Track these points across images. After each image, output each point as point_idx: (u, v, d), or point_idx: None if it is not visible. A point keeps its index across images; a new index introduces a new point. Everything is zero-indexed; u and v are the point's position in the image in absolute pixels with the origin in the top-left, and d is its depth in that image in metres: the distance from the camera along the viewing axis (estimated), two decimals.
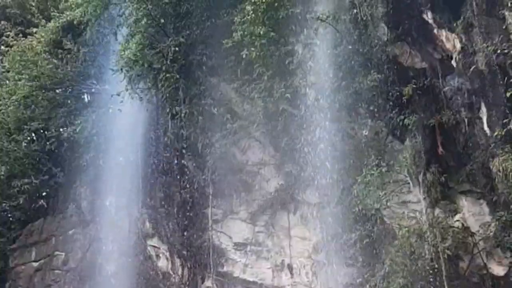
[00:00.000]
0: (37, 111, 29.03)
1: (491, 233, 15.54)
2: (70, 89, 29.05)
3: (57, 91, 29.11)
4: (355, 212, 17.23)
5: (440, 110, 16.20)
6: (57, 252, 28.00)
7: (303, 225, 20.10)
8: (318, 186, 18.49)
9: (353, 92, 17.23)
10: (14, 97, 29.08)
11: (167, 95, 22.20)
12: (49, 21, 31.58)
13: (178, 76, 21.88)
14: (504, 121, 14.36)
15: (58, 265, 27.82)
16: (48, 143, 28.39)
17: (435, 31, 16.14)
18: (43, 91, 28.82)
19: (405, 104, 16.53)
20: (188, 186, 22.85)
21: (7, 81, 30.32)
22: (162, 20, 22.69)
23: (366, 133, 17.42)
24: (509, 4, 14.14)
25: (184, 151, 22.80)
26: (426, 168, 16.23)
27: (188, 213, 22.78)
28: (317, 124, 18.07)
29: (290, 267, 20.38)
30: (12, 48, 30.25)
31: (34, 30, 31.34)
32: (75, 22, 28.59)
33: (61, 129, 28.12)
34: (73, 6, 29.75)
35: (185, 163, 22.91)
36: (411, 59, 16.73)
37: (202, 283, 22.39)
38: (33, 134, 29.29)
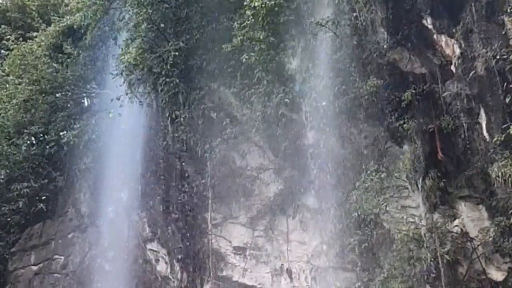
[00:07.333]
0: (37, 115, 29.12)
1: (490, 238, 15.48)
2: (70, 93, 29.10)
3: (57, 95, 29.18)
4: (354, 217, 17.16)
5: (440, 115, 16.14)
6: (56, 256, 28.04)
7: (302, 229, 20.06)
8: (317, 191, 18.51)
9: (352, 97, 17.21)
10: (14, 101, 29.20)
11: (167, 99, 22.24)
12: (49, 25, 31.77)
13: (178, 81, 21.94)
14: (503, 126, 14.29)
15: (57, 269, 27.86)
16: (47, 147, 28.44)
17: (434, 36, 16.09)
18: (43, 95, 28.92)
19: (404, 109, 16.48)
20: (187, 190, 22.87)
21: (7, 85, 30.39)
22: (162, 25, 22.80)
23: (365, 138, 17.42)
24: (508, 10, 14.11)
25: (183, 155, 22.83)
26: (425, 173, 16.18)
27: (187, 218, 22.79)
28: (316, 129, 18.12)
29: (289, 272, 20.34)
30: (12, 52, 30.38)
31: (34, 34, 31.50)
32: (75, 27, 28.78)
33: (60, 133, 28.15)
34: (73, 10, 30.03)
35: (184, 167, 22.94)
36: (410, 64, 16.67)
37: (201, 287, 22.38)
38: (32, 138, 29.33)
